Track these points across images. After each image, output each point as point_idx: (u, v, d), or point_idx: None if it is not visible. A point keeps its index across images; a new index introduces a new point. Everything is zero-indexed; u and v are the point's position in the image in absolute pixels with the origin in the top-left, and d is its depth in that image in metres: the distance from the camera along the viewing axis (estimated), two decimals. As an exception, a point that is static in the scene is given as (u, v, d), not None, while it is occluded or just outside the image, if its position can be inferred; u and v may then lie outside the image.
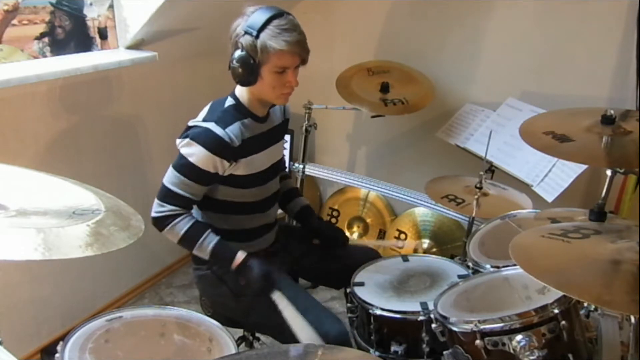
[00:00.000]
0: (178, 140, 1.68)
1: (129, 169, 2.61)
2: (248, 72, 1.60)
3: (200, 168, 1.63)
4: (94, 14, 2.33)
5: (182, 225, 1.67)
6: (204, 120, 1.66)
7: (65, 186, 1.30)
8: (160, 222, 1.68)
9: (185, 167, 1.64)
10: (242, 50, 1.59)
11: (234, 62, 1.60)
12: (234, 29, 1.62)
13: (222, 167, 1.65)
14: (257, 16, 1.57)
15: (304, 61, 1.64)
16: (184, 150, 1.64)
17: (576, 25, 2.52)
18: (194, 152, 1.62)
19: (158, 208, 1.68)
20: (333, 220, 3.25)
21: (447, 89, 2.83)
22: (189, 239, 1.68)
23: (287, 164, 2.07)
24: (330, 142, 3.28)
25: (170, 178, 1.66)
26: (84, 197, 1.25)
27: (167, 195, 1.67)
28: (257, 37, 1.56)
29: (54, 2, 2.16)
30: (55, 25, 2.18)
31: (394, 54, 2.83)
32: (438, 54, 2.85)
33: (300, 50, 1.60)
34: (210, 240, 1.69)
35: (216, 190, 1.73)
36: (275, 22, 1.57)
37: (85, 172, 2.34)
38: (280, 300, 1.65)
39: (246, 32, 1.58)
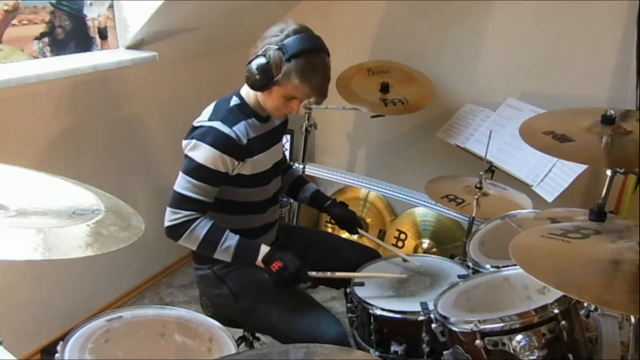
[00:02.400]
0: (184, 142, 1.67)
1: (129, 169, 2.61)
2: (262, 81, 1.61)
3: (211, 168, 1.62)
4: (94, 14, 2.33)
5: (201, 229, 1.63)
6: (210, 119, 1.66)
7: (65, 186, 1.29)
8: (176, 230, 1.63)
9: (195, 170, 1.62)
10: (266, 61, 1.59)
11: (254, 67, 1.60)
12: (270, 34, 1.61)
13: (232, 165, 1.65)
14: (297, 41, 1.57)
15: (317, 102, 1.67)
16: (191, 153, 1.63)
17: (576, 25, 2.52)
18: (203, 153, 1.61)
19: (172, 216, 1.63)
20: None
21: (447, 89, 2.83)
22: (210, 242, 1.65)
23: (287, 158, 2.09)
24: (330, 142, 3.28)
25: (181, 183, 1.64)
26: (84, 197, 1.25)
27: (180, 201, 1.63)
28: (288, 60, 1.57)
29: (54, 2, 2.16)
30: (55, 25, 2.18)
31: (394, 54, 2.83)
32: (438, 54, 2.85)
33: (317, 94, 1.63)
34: (231, 240, 1.67)
35: (219, 190, 1.72)
36: (310, 56, 1.58)
37: (85, 172, 2.34)
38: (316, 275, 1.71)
39: (279, 49, 1.57)
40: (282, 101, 1.66)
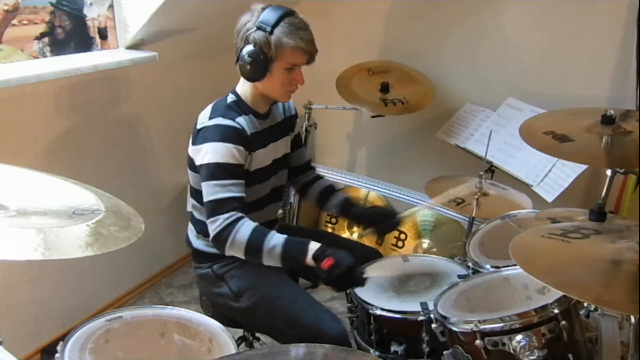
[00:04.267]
0: (193, 149, 1.67)
1: (129, 169, 2.60)
2: (258, 67, 1.61)
3: (229, 163, 1.61)
4: (94, 14, 2.32)
5: (243, 233, 1.57)
6: (210, 118, 1.67)
7: (65, 186, 1.29)
8: (220, 238, 1.57)
9: (215, 172, 1.60)
10: (253, 45, 1.60)
11: (245, 57, 1.60)
12: (242, 24, 1.63)
13: (244, 155, 1.64)
14: (270, 13, 1.60)
15: (311, 59, 1.66)
16: (205, 159, 1.62)
17: (576, 25, 2.52)
18: (215, 152, 1.61)
19: (213, 225, 1.58)
20: (333, 220, 3.25)
21: (447, 89, 2.83)
22: (255, 244, 1.57)
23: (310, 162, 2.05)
24: (330, 142, 3.28)
25: (209, 191, 1.60)
26: (84, 197, 1.25)
27: (215, 207, 1.59)
28: (271, 32, 1.58)
29: (54, 2, 2.16)
30: (55, 25, 2.18)
31: (394, 54, 2.83)
32: (438, 54, 2.85)
33: (312, 48, 1.64)
34: (278, 239, 1.59)
35: None
36: (289, 19, 1.60)
37: (85, 172, 2.34)
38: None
39: (259, 28, 1.59)
40: (286, 76, 1.65)
